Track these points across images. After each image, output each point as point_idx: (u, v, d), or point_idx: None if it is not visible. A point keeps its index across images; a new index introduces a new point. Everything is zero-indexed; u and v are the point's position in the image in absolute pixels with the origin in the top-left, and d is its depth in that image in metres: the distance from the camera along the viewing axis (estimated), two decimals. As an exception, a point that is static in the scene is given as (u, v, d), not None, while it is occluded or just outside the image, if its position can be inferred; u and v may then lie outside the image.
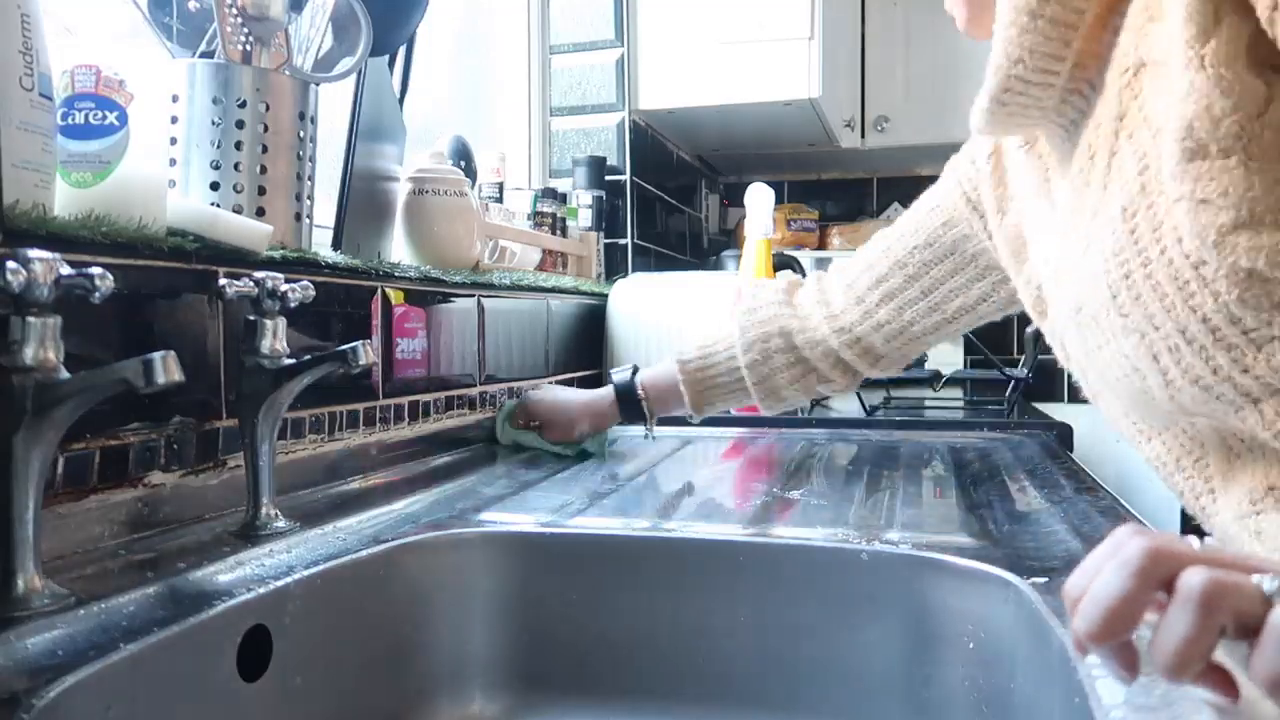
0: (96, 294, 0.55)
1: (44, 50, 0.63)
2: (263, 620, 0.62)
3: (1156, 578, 0.40)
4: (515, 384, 1.38)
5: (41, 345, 0.54)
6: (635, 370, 1.18)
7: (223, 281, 0.72)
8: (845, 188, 2.83)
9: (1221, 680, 0.41)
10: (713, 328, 1.16)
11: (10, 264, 0.52)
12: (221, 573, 0.64)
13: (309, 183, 0.95)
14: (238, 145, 0.87)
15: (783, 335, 1.08)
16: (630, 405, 1.16)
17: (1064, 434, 1.49)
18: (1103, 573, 0.41)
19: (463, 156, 1.42)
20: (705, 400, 1.14)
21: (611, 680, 0.79)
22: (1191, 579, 0.38)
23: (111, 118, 0.71)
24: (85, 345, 0.66)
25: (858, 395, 1.81)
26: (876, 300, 1.01)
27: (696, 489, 1.03)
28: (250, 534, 0.73)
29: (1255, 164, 0.48)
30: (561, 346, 1.57)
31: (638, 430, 1.22)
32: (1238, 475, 0.60)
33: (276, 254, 0.87)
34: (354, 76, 1.07)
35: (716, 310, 1.66)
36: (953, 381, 2.01)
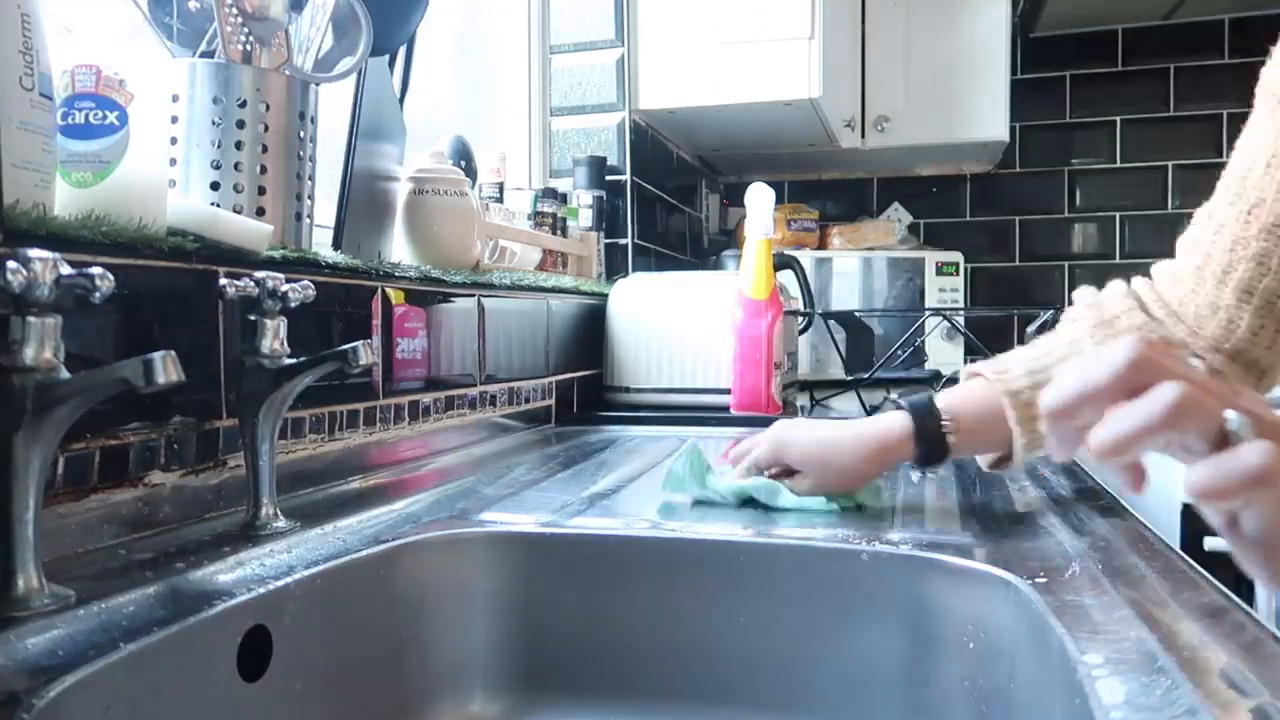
0: (96, 294, 0.55)
1: (44, 50, 0.63)
2: (263, 620, 0.62)
3: (1131, 382, 0.42)
4: (515, 384, 1.38)
5: (42, 345, 0.54)
6: (930, 397, 0.88)
7: (223, 281, 0.72)
8: (845, 188, 2.83)
9: (1136, 473, 0.43)
10: (1042, 342, 0.89)
11: (10, 264, 0.52)
12: (221, 573, 0.64)
13: (309, 183, 0.95)
14: (238, 145, 0.87)
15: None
16: (930, 438, 0.86)
17: (1064, 434, 1.49)
18: (1084, 364, 0.43)
19: (463, 156, 1.42)
20: (1039, 441, 0.84)
21: (612, 680, 0.79)
22: (1166, 388, 0.41)
23: (112, 117, 0.71)
24: (85, 345, 0.66)
25: (858, 395, 1.81)
26: (1234, 301, 0.80)
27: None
28: (250, 534, 0.73)
29: None
30: (562, 347, 1.57)
31: (639, 431, 1.20)
32: None
33: (277, 254, 0.87)
34: (354, 76, 1.07)
35: (714, 310, 1.67)
36: (953, 381, 2.00)
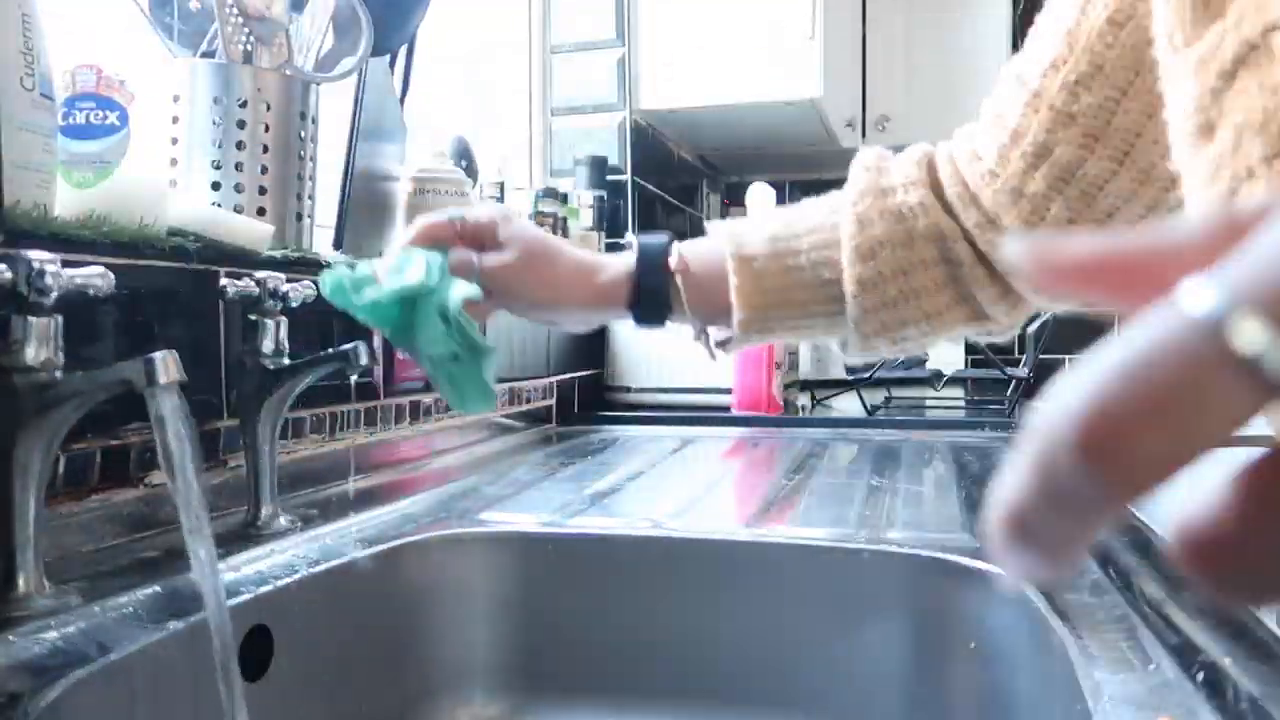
0: (97, 294, 0.55)
1: (45, 50, 0.63)
2: (263, 620, 0.62)
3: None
4: (515, 383, 1.38)
5: (42, 345, 0.54)
6: (671, 239, 0.73)
7: (224, 281, 0.72)
8: (846, 187, 2.83)
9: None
10: (797, 207, 0.72)
11: (11, 264, 0.52)
12: (222, 573, 0.64)
13: (310, 182, 0.95)
14: (239, 145, 0.87)
15: (933, 239, 0.66)
16: (655, 285, 0.71)
17: (1065, 434, 1.49)
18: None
19: (464, 156, 1.42)
20: (764, 319, 0.70)
21: (612, 680, 0.79)
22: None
23: (112, 118, 0.71)
24: (86, 345, 0.66)
25: (858, 394, 1.81)
26: (1044, 189, 0.62)
27: (697, 489, 1.03)
28: (251, 534, 0.73)
29: None
30: (562, 346, 1.57)
31: (639, 431, 1.20)
32: None
33: (277, 254, 0.87)
34: (355, 76, 1.07)
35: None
36: (954, 381, 2.01)
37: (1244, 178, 0.40)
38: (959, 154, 0.67)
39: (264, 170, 0.88)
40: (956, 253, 0.66)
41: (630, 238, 0.68)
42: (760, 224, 0.70)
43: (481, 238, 0.71)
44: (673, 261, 0.70)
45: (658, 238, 0.72)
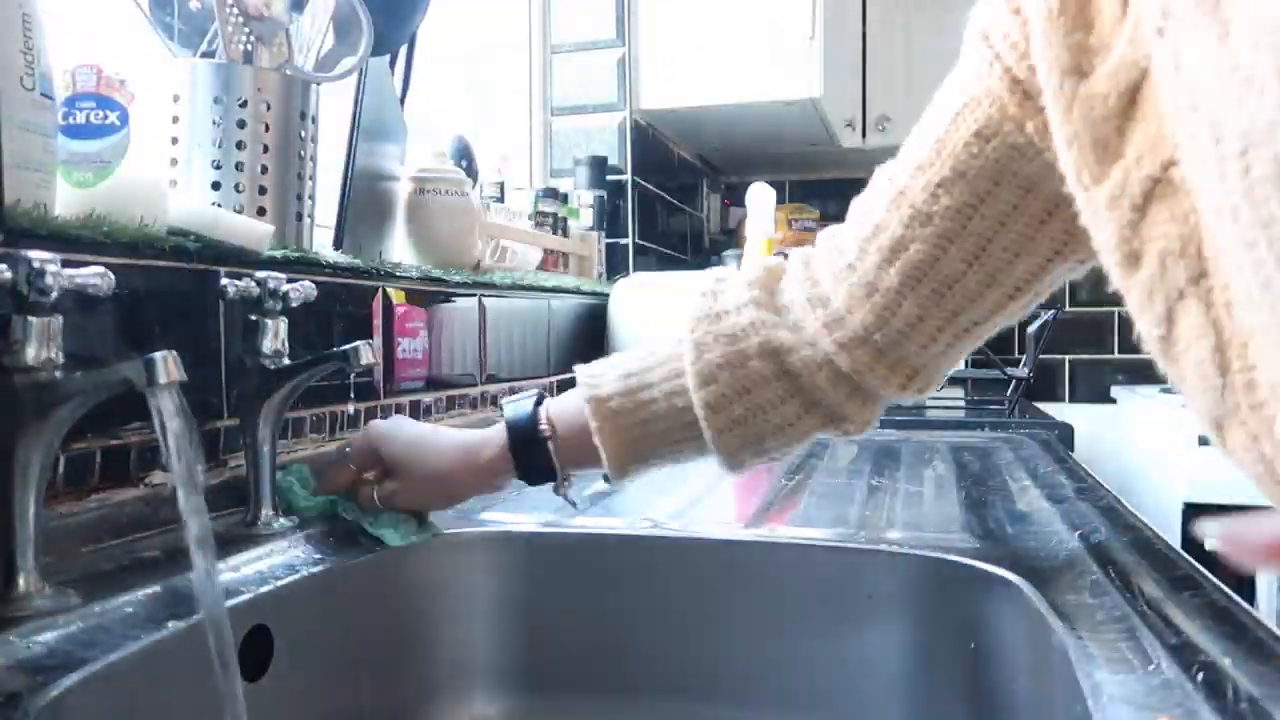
0: (97, 294, 0.55)
1: (45, 50, 0.63)
2: (263, 620, 0.62)
3: None
4: (516, 384, 1.38)
5: (43, 345, 0.54)
6: (540, 399, 0.76)
7: (224, 281, 0.72)
8: (846, 187, 2.81)
9: None
10: (649, 342, 0.75)
11: (11, 264, 0.52)
12: (222, 573, 0.64)
13: (310, 182, 0.95)
14: (239, 145, 0.87)
15: (767, 355, 0.68)
16: (531, 453, 0.74)
17: (1065, 434, 1.49)
18: None
19: (464, 156, 1.43)
20: (634, 456, 0.72)
21: (612, 680, 0.79)
22: None
23: (113, 117, 0.71)
24: (86, 345, 0.66)
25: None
26: (896, 284, 0.63)
27: (697, 489, 1.03)
28: (251, 534, 0.73)
29: None
30: (563, 346, 1.57)
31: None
32: None
33: (278, 253, 0.86)
34: (355, 76, 1.07)
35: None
36: (953, 381, 2.01)
37: (1175, 299, 0.44)
38: (820, 252, 0.69)
39: (264, 170, 0.88)
40: (794, 365, 0.68)
41: (503, 405, 0.77)
42: (615, 363, 0.73)
43: (370, 461, 0.78)
44: (542, 429, 0.73)
45: (523, 406, 0.75)
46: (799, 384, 0.68)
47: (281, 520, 0.75)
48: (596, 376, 0.72)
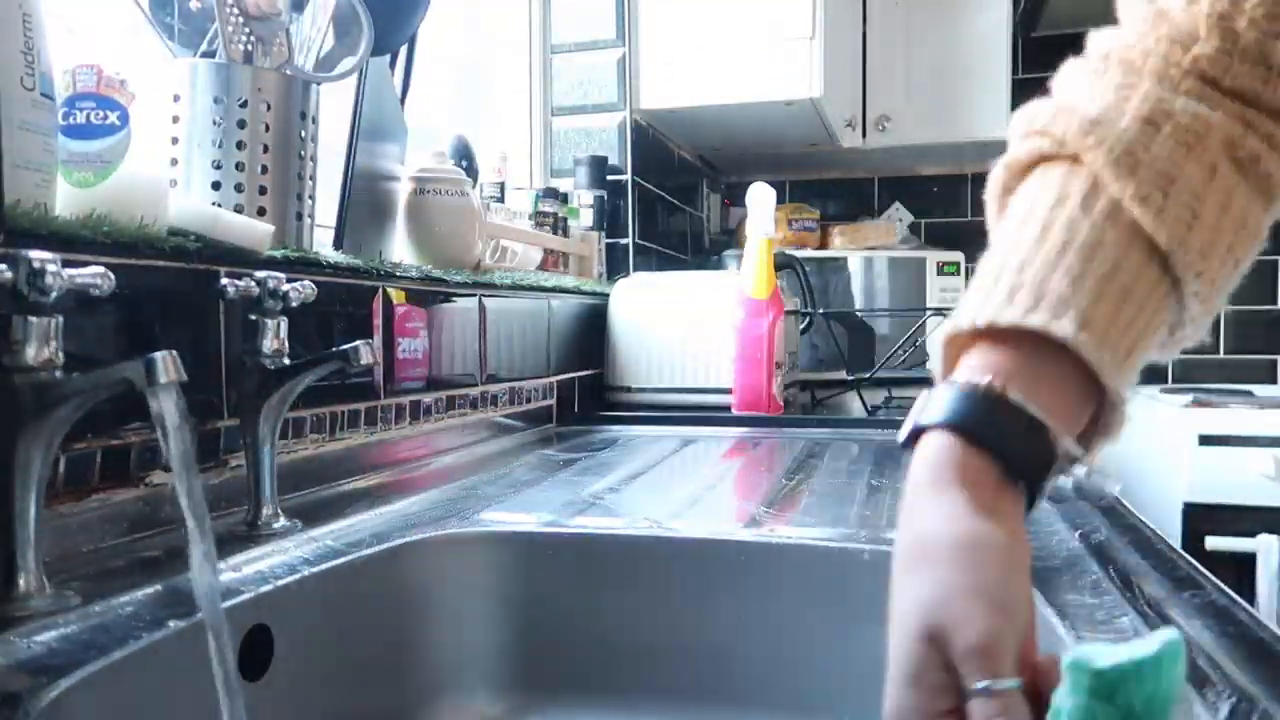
0: (98, 294, 0.55)
1: (45, 50, 0.63)
2: (263, 620, 0.62)
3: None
4: (516, 384, 1.38)
5: (43, 345, 0.54)
6: (974, 390, 0.46)
7: (224, 281, 0.72)
8: (847, 187, 2.83)
9: None
10: (1019, 225, 0.51)
11: (11, 264, 0.52)
12: (222, 573, 0.64)
13: (310, 182, 0.95)
14: (239, 145, 0.87)
15: (1226, 142, 0.50)
16: (1014, 443, 0.46)
17: (1065, 434, 1.49)
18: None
19: (464, 156, 1.42)
20: (1130, 359, 0.48)
21: (612, 680, 0.79)
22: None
23: (113, 117, 0.71)
24: (86, 345, 0.66)
25: (859, 395, 1.81)
26: None
27: (697, 489, 1.03)
28: (251, 534, 0.73)
29: None
30: (563, 346, 1.57)
31: (640, 430, 1.19)
32: None
33: (278, 254, 0.87)
34: (355, 76, 1.07)
35: (715, 309, 1.66)
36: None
37: None
38: (1152, 45, 0.52)
39: (264, 170, 0.88)
40: (1244, 151, 0.50)
41: (919, 422, 0.47)
42: (1004, 273, 0.48)
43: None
44: (1014, 398, 0.46)
45: (937, 401, 0.47)
46: (1253, 171, 0.50)
47: (282, 520, 0.75)
48: (1001, 303, 0.47)
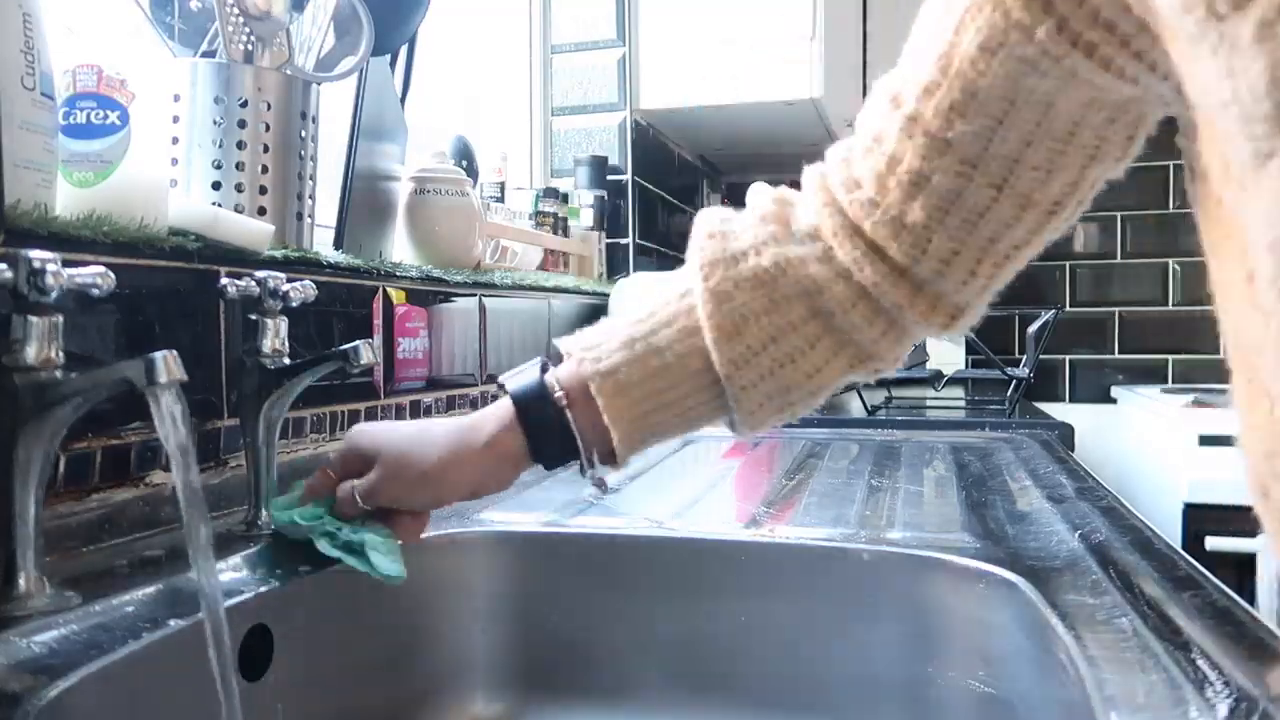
0: (98, 294, 0.55)
1: (45, 49, 0.63)
2: (263, 620, 0.62)
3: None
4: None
5: (43, 344, 0.54)
6: (545, 366, 0.67)
7: (224, 281, 0.72)
8: (847, 187, 2.83)
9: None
10: (641, 303, 0.67)
11: (11, 264, 0.52)
12: (222, 573, 0.64)
13: (310, 182, 0.95)
14: (239, 145, 0.87)
15: (799, 296, 0.62)
16: (545, 427, 0.64)
17: (1065, 434, 1.49)
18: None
19: (464, 156, 1.43)
20: (647, 431, 0.65)
21: (612, 680, 0.79)
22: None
23: (113, 117, 0.71)
24: (86, 345, 0.66)
25: (859, 394, 1.81)
26: (923, 219, 0.58)
27: (697, 489, 1.03)
28: (251, 534, 0.73)
29: None
30: (563, 346, 1.57)
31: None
32: None
33: (278, 253, 0.87)
34: (355, 76, 1.07)
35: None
36: (954, 381, 2.01)
37: None
38: (835, 182, 0.63)
39: (264, 170, 0.88)
40: (827, 304, 0.62)
41: (502, 380, 0.67)
42: (610, 331, 0.65)
43: (356, 466, 0.67)
44: (558, 396, 0.64)
45: (528, 376, 0.65)
46: (831, 324, 0.62)
47: (282, 520, 0.75)
48: (594, 348, 0.64)
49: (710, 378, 0.63)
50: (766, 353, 0.62)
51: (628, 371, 0.63)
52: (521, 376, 0.65)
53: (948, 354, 2.25)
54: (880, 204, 0.59)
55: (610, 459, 0.66)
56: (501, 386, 0.66)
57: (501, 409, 0.65)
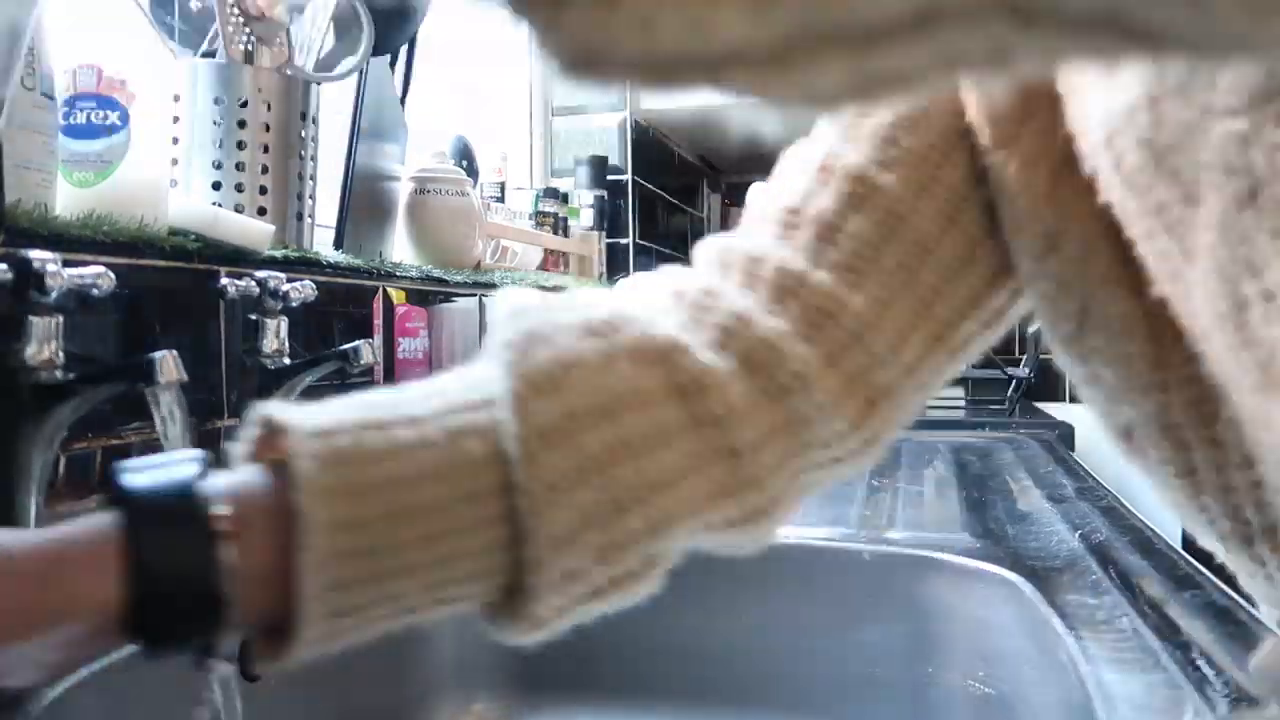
0: (98, 293, 0.55)
1: (45, 50, 0.63)
2: (264, 620, 0.62)
3: None
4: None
5: (43, 344, 0.54)
6: (202, 468, 0.36)
7: (224, 281, 0.72)
8: (847, 187, 2.83)
9: None
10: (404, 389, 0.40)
11: (11, 264, 0.52)
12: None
13: (310, 182, 0.95)
14: (239, 145, 0.87)
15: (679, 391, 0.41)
16: (176, 562, 0.34)
17: (1065, 434, 1.49)
18: None
19: (464, 156, 1.43)
20: (360, 569, 0.35)
21: (612, 680, 0.79)
22: None
23: (113, 117, 0.71)
24: (87, 345, 0.66)
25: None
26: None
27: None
28: (251, 533, 0.73)
29: None
30: (563, 346, 1.57)
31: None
32: None
33: (278, 253, 0.87)
34: (356, 76, 1.07)
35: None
36: (954, 381, 2.01)
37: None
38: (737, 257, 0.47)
39: (264, 170, 0.88)
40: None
41: (120, 467, 0.34)
42: (345, 407, 0.40)
43: None
44: (216, 511, 0.34)
45: (175, 472, 0.36)
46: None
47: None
48: (329, 435, 0.36)
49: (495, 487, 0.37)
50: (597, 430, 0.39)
51: (361, 469, 0.36)
52: (158, 472, 0.36)
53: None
54: (806, 282, 0.45)
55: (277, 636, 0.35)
56: (115, 488, 0.36)
57: (100, 533, 0.36)
